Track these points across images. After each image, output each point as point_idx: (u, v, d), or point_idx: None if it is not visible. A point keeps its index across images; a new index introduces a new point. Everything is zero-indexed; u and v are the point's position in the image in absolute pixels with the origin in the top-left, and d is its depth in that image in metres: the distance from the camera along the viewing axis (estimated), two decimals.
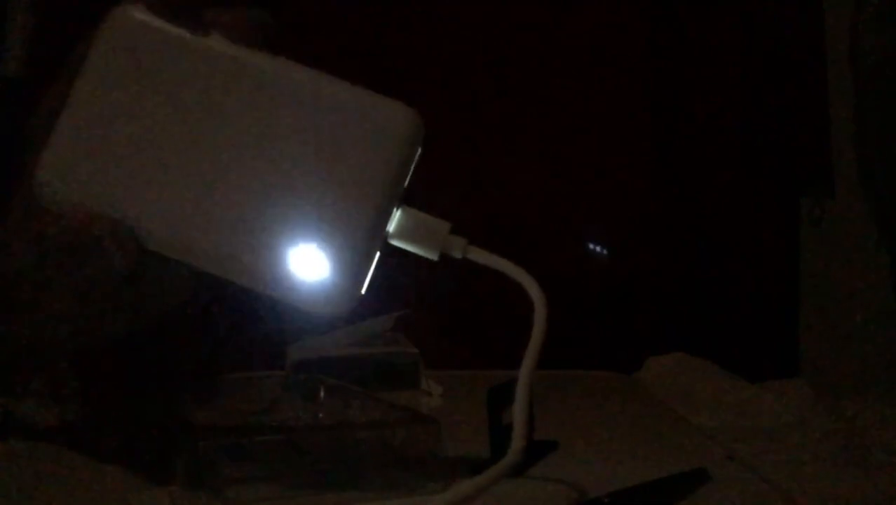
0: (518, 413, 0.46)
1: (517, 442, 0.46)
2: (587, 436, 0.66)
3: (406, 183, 0.46)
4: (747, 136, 1.03)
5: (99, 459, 0.52)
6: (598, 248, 0.92)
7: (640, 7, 1.03)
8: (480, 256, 0.48)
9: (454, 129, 1.02)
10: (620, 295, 1.02)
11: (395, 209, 0.46)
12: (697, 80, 1.03)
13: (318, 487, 0.49)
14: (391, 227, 0.46)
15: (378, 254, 0.46)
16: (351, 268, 0.44)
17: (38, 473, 0.51)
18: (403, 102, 0.46)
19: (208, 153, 0.44)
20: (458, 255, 0.47)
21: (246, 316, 0.67)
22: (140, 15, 0.45)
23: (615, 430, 0.69)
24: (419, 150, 0.47)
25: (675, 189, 1.03)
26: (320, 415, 0.56)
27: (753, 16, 1.03)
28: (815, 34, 1.02)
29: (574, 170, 1.03)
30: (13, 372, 0.51)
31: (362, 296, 0.46)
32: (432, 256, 0.47)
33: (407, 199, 0.47)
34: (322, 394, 0.60)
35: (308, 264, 0.44)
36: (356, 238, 0.44)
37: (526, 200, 1.03)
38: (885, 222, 0.99)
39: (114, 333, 0.48)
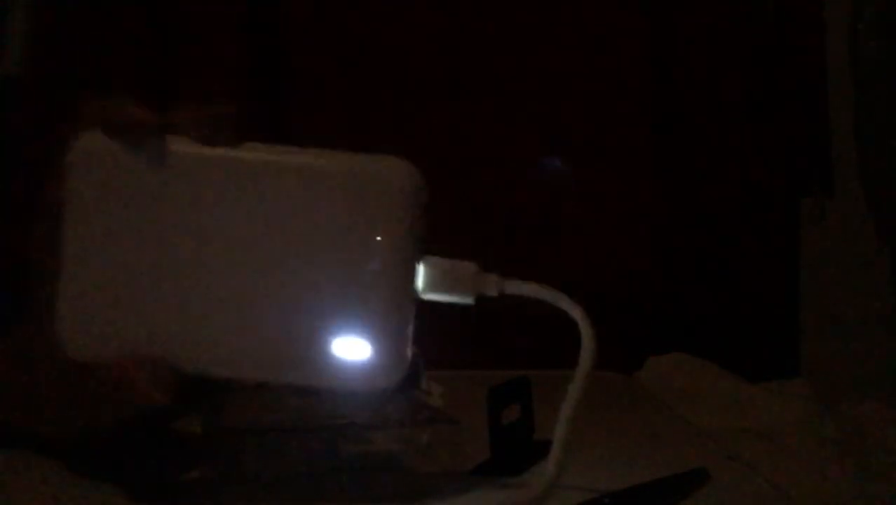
0: (557, 445, 0.47)
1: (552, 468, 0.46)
2: (587, 436, 0.66)
3: (421, 234, 0.45)
4: (747, 136, 1.03)
5: (98, 473, 0.51)
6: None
7: (640, 7, 1.03)
8: (518, 288, 0.46)
9: (454, 129, 1.02)
10: (620, 295, 1.02)
11: (417, 264, 0.44)
12: (698, 81, 1.03)
13: (343, 487, 0.49)
14: (419, 282, 0.45)
15: (414, 314, 0.45)
16: (391, 341, 0.43)
17: (34, 486, 0.50)
18: (394, 156, 0.44)
19: (217, 261, 0.43)
20: (493, 293, 0.46)
21: None
22: (100, 142, 0.43)
23: (615, 430, 0.69)
24: (426, 198, 0.45)
25: (675, 189, 1.03)
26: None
27: (754, 16, 1.03)
28: (816, 35, 1.02)
29: (574, 170, 1.03)
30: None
31: (409, 359, 0.45)
32: (468, 300, 0.46)
33: (427, 249, 0.45)
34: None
35: (350, 350, 0.43)
36: (389, 310, 0.43)
37: (526, 200, 1.03)
38: (885, 222, 0.99)
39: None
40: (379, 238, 0.43)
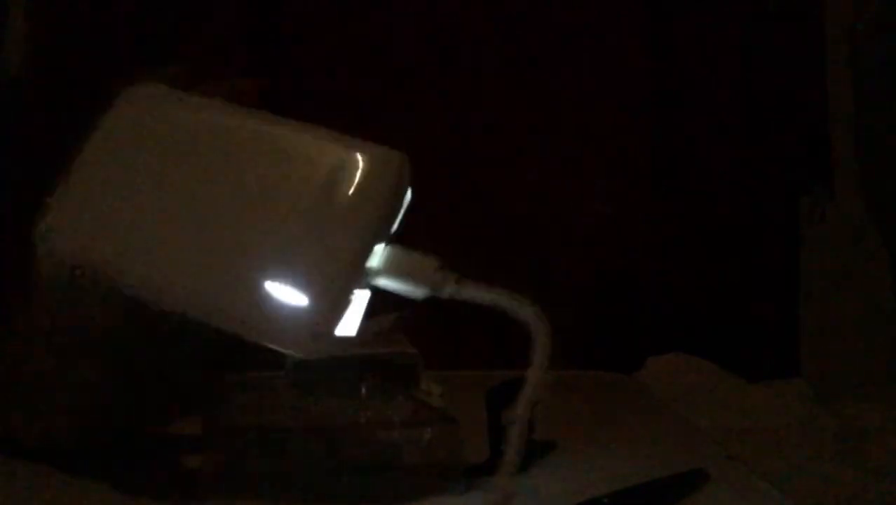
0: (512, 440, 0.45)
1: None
2: (587, 436, 0.66)
3: (394, 224, 0.46)
4: (747, 136, 1.03)
5: (85, 477, 0.51)
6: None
7: (640, 7, 1.03)
8: (473, 292, 0.45)
9: (454, 129, 1.02)
10: (620, 295, 1.02)
11: (380, 245, 0.45)
12: (697, 81, 1.03)
13: (343, 487, 0.49)
14: (375, 262, 0.45)
15: (362, 294, 0.45)
16: (326, 302, 0.44)
17: (17, 493, 0.50)
18: (387, 146, 0.46)
19: (194, 207, 0.45)
20: (447, 293, 0.45)
21: None
22: (153, 90, 0.48)
23: (615, 430, 0.69)
24: (408, 192, 0.46)
25: (675, 189, 1.03)
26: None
27: (754, 16, 1.03)
28: (816, 36, 1.02)
29: (575, 170, 1.03)
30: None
31: (334, 339, 0.44)
32: (420, 294, 0.45)
33: (399, 241, 0.46)
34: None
35: (285, 298, 0.43)
36: (333, 272, 0.44)
37: (526, 200, 1.03)
38: (885, 222, 0.99)
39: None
40: (350, 207, 0.44)
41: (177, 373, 0.52)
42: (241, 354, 0.49)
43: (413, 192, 0.46)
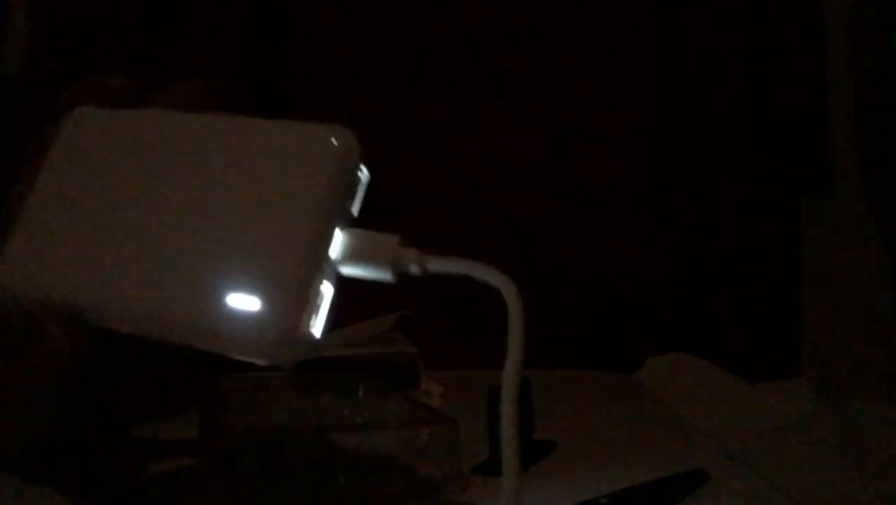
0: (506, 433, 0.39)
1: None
2: (587, 436, 0.66)
3: (351, 207, 0.42)
4: (747, 136, 1.03)
5: (53, 480, 0.50)
6: None
7: (641, 8, 1.04)
8: (441, 265, 0.41)
9: (455, 128, 1.02)
10: (620, 295, 1.02)
11: (336, 231, 0.42)
12: (698, 81, 1.04)
13: (342, 488, 0.49)
14: (336, 252, 0.41)
15: (327, 289, 0.41)
16: (283, 302, 0.40)
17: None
18: (335, 123, 0.42)
19: (144, 220, 0.43)
20: (415, 269, 0.41)
21: None
22: (89, 113, 0.46)
23: (615, 430, 0.69)
24: (362, 170, 0.42)
25: (675, 189, 1.03)
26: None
27: (754, 17, 1.03)
28: (815, 36, 1.02)
29: (575, 170, 1.03)
30: None
31: (315, 340, 0.41)
32: (386, 275, 0.42)
33: (356, 223, 0.42)
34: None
35: (239, 305, 0.40)
36: (286, 267, 0.40)
37: (526, 200, 1.03)
38: (885, 222, 0.99)
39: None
40: (293, 198, 0.41)
41: (161, 367, 0.49)
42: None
43: (371, 171, 0.43)
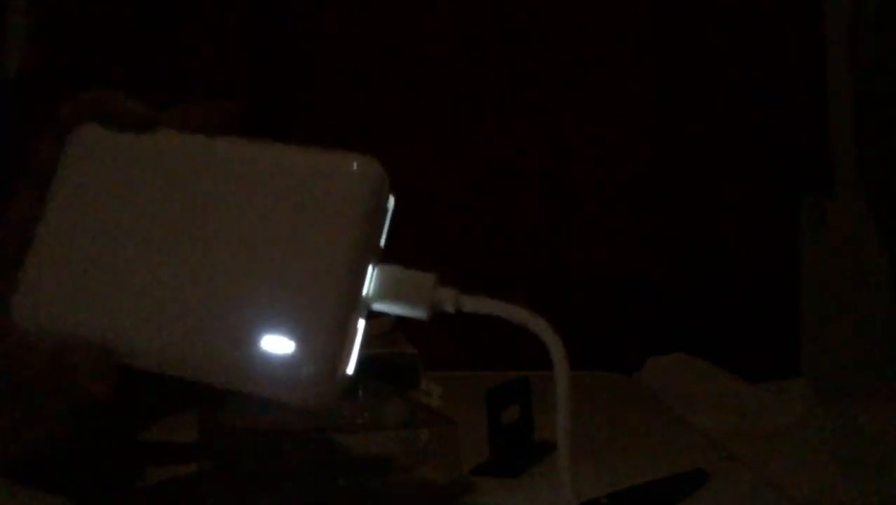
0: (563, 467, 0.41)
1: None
2: (587, 436, 0.66)
3: (381, 239, 0.41)
4: (747, 137, 1.03)
5: (51, 488, 0.50)
6: None
7: (641, 8, 1.03)
8: (476, 305, 0.41)
9: (455, 129, 1.02)
10: (620, 295, 1.02)
11: (370, 269, 0.41)
12: (698, 81, 1.03)
13: (342, 489, 0.49)
14: (369, 289, 0.41)
15: (361, 325, 0.40)
16: (319, 344, 0.39)
17: None
18: (362, 154, 0.41)
19: (171, 251, 0.41)
20: (450, 308, 0.41)
21: None
22: (97, 133, 0.44)
23: (615, 430, 0.69)
24: (389, 200, 0.41)
25: (675, 190, 1.03)
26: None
27: (754, 17, 1.03)
28: (815, 36, 1.02)
29: (575, 170, 1.03)
30: None
31: (349, 378, 0.40)
32: (421, 314, 0.41)
33: (387, 258, 0.41)
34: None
35: (274, 348, 0.39)
36: (321, 309, 0.39)
37: (527, 201, 1.03)
38: (885, 222, 0.99)
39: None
40: (326, 234, 0.40)
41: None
42: None
43: (396, 200, 0.42)
